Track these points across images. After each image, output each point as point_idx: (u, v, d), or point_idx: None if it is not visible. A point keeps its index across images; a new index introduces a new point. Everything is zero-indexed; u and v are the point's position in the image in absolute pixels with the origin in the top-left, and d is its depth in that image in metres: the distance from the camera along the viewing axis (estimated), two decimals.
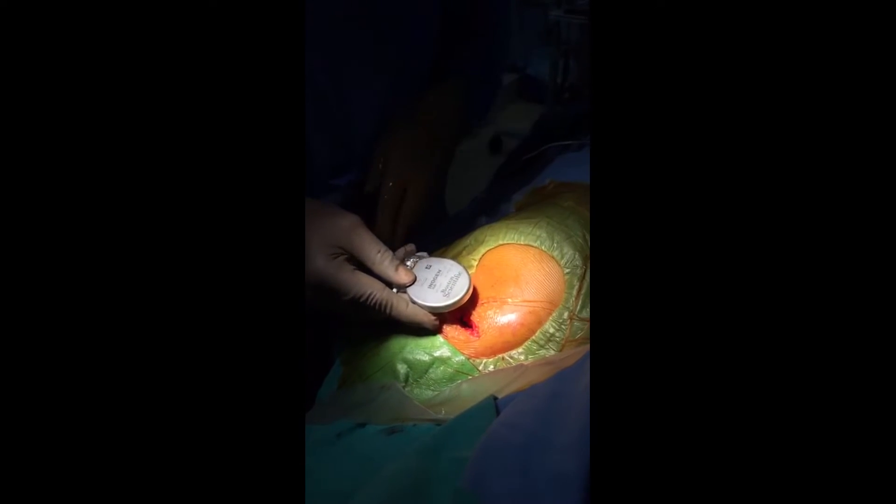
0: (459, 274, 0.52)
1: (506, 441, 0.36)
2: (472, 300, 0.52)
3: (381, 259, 0.51)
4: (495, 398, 0.43)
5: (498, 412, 0.41)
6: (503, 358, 0.49)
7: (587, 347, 0.45)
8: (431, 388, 0.49)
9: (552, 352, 0.48)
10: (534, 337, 0.49)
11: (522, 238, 0.55)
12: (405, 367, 0.50)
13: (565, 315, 0.49)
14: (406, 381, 0.50)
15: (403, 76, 0.67)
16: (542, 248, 0.53)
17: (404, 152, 0.64)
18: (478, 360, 0.49)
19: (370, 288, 0.50)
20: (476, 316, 0.51)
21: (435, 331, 0.51)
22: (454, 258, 0.55)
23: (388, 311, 0.50)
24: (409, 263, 0.54)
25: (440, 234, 0.67)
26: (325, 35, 0.59)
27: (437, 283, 0.52)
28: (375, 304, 0.50)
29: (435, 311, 0.51)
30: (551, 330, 0.49)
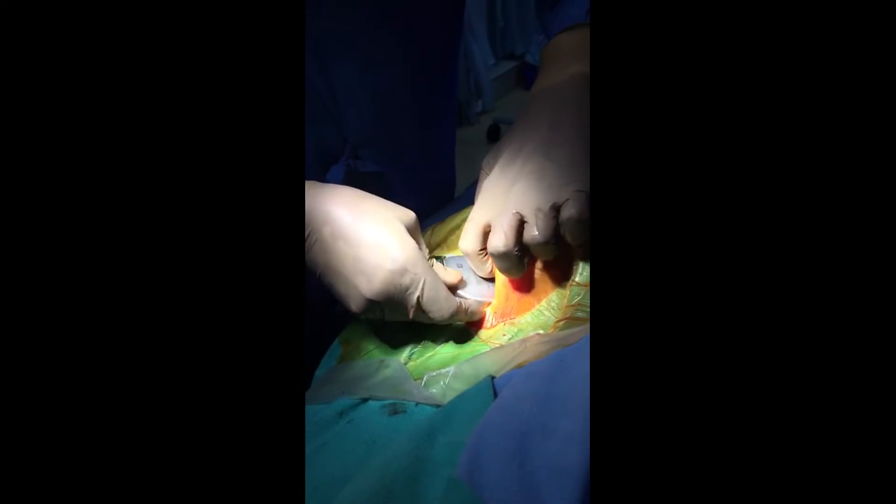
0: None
1: (503, 428, 0.34)
2: None
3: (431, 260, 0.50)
4: (493, 378, 0.42)
5: (496, 393, 0.40)
6: (512, 321, 0.49)
7: (587, 328, 0.44)
8: (432, 367, 0.49)
9: (551, 317, 0.48)
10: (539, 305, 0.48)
11: None
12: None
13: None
14: (409, 358, 0.50)
15: (396, 73, 0.67)
16: None
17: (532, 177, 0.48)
18: (486, 332, 0.50)
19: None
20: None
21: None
22: (455, 229, 0.55)
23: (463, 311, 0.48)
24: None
25: (444, 215, 0.67)
26: (315, 27, 0.58)
27: (470, 277, 0.51)
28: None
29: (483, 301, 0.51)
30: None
